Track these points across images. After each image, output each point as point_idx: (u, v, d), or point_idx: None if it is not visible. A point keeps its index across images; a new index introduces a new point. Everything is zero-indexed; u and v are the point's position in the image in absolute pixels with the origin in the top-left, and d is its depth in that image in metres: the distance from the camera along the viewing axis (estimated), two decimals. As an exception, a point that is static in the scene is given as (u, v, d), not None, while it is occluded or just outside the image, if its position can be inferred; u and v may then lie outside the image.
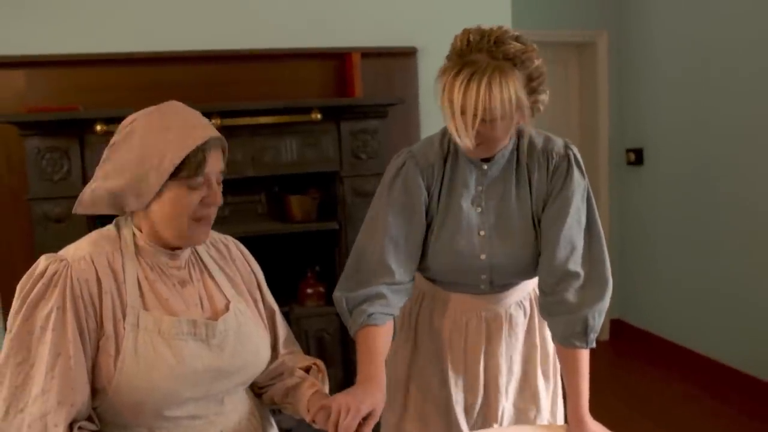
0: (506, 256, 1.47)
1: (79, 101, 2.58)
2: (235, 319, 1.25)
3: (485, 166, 1.47)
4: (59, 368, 1.08)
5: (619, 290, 4.47)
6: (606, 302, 1.45)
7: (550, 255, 1.44)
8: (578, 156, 1.49)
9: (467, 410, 1.59)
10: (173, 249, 1.23)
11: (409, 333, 1.62)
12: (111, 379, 1.11)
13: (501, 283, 1.53)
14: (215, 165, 1.18)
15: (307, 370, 1.39)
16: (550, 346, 1.62)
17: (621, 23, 4.28)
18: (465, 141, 1.33)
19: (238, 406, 1.28)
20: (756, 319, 3.43)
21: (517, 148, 1.49)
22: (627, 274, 4.45)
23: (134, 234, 1.21)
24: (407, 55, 2.94)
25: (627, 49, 4.27)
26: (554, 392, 1.66)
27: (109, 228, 1.23)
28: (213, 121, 2.49)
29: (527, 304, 1.60)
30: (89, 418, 1.12)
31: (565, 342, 1.43)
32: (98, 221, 2.61)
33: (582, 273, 1.44)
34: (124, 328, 1.13)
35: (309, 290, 2.83)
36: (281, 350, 1.40)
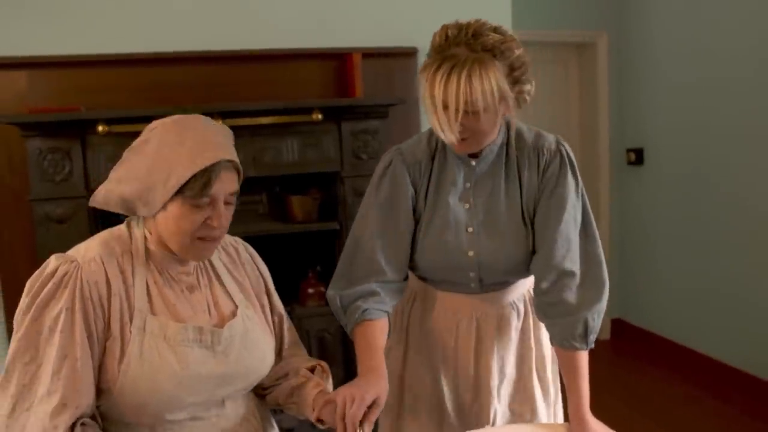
0: (494, 253, 1.46)
1: (81, 102, 2.58)
2: (242, 325, 1.25)
3: (473, 162, 1.46)
4: (66, 370, 1.08)
5: (620, 290, 4.48)
6: (604, 303, 1.44)
7: (546, 254, 1.42)
8: (570, 153, 1.48)
9: (459, 410, 1.58)
10: None
11: (401, 333, 1.62)
12: (115, 380, 1.12)
13: (491, 281, 1.51)
14: (224, 187, 1.16)
15: (312, 370, 1.39)
16: (546, 348, 1.60)
17: (621, 24, 4.29)
18: (448, 136, 1.33)
19: (239, 407, 1.29)
20: (757, 319, 3.43)
21: (507, 143, 1.47)
22: (627, 273, 4.45)
23: (145, 237, 1.21)
24: (408, 55, 2.95)
25: (627, 49, 4.27)
26: (550, 395, 1.63)
27: (121, 228, 1.23)
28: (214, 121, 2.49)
29: (521, 306, 1.57)
30: (92, 418, 1.13)
31: (565, 344, 1.42)
32: (100, 222, 2.62)
33: (578, 272, 1.42)
34: (131, 332, 1.14)
35: (310, 290, 2.84)
36: (286, 354, 1.41)
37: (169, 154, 1.12)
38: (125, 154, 1.19)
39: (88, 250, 1.16)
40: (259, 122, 2.61)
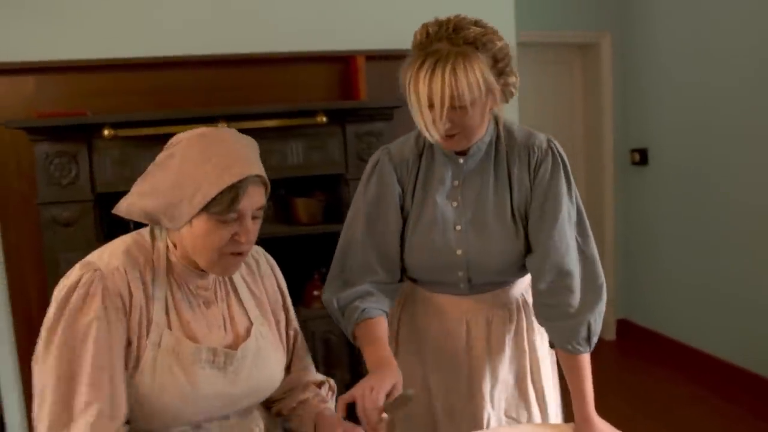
0: (483, 251, 1.44)
1: (87, 106, 2.60)
2: (255, 344, 1.24)
3: (461, 160, 1.44)
4: (103, 381, 1.07)
5: (625, 290, 4.48)
6: (604, 303, 1.43)
7: (543, 253, 1.40)
8: (562, 152, 1.46)
9: (451, 414, 1.54)
10: (203, 270, 1.21)
11: (392, 335, 1.60)
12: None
13: (480, 281, 1.48)
14: (252, 202, 1.14)
15: (319, 385, 1.38)
16: (541, 352, 1.58)
17: (624, 24, 4.29)
18: (433, 134, 1.32)
19: (243, 419, 1.29)
20: (762, 318, 3.42)
21: (496, 141, 1.46)
22: (632, 273, 4.45)
23: (168, 248, 1.19)
24: (411, 57, 2.95)
25: (630, 49, 4.27)
26: (546, 402, 1.59)
27: (144, 236, 1.21)
28: (219, 124, 2.51)
29: (513, 309, 1.54)
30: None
31: (569, 348, 1.41)
32: (106, 225, 2.64)
33: (576, 272, 1.41)
34: (146, 345, 1.13)
35: (315, 292, 2.84)
36: (295, 368, 1.39)
37: (195, 170, 1.10)
38: (149, 168, 1.16)
39: (112, 257, 1.14)
40: (264, 125, 2.62)
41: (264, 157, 1.14)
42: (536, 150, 1.44)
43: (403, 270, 1.52)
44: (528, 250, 1.45)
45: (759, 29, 3.30)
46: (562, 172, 1.43)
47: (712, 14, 3.60)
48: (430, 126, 1.31)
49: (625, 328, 4.50)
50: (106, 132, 2.42)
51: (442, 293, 1.52)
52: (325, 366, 2.75)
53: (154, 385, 1.12)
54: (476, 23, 1.32)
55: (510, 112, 2.95)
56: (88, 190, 2.49)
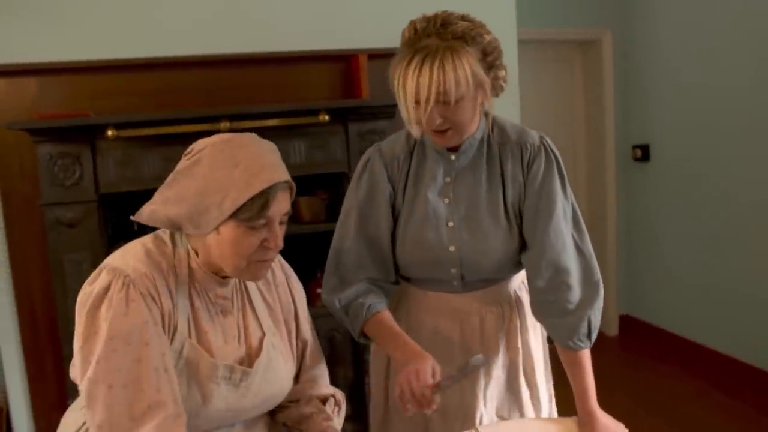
0: (475, 247, 1.43)
1: (90, 107, 2.61)
2: (266, 355, 1.24)
3: (452, 157, 1.44)
4: (164, 383, 1.06)
5: (627, 286, 4.48)
6: (602, 298, 1.43)
7: (539, 250, 1.40)
8: (555, 149, 1.46)
9: (444, 412, 1.52)
10: (224, 277, 1.20)
11: None
12: None
13: (473, 279, 1.48)
14: (280, 207, 1.14)
15: (324, 401, 1.36)
16: (535, 351, 1.58)
17: (625, 21, 4.29)
18: (415, 130, 1.32)
19: (249, 428, 1.29)
20: (764, 313, 3.43)
21: (488, 138, 1.45)
22: (635, 269, 4.45)
23: (189, 254, 1.17)
24: (413, 55, 2.95)
25: (631, 46, 4.28)
26: (540, 400, 1.59)
27: (165, 241, 1.19)
28: (222, 124, 2.52)
29: (506, 307, 1.53)
30: None
31: (570, 345, 1.41)
32: (110, 226, 2.65)
33: (573, 268, 1.41)
34: (170, 352, 1.12)
35: (319, 290, 2.82)
36: (304, 378, 1.38)
37: (223, 175, 1.09)
38: (171, 176, 1.15)
39: (137, 262, 1.12)
40: (266, 125, 2.63)
41: (267, 157, 1.16)
42: (529, 147, 1.44)
43: (397, 269, 1.52)
44: (523, 247, 1.45)
45: (760, 26, 3.31)
46: (555, 169, 1.43)
47: (713, 11, 3.60)
48: (415, 122, 1.31)
49: (627, 323, 4.51)
50: (109, 133, 2.43)
51: (435, 291, 1.52)
52: (330, 364, 2.74)
53: None
54: (463, 18, 1.32)
55: (511, 110, 2.95)
56: (92, 190, 2.50)
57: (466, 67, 1.27)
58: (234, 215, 1.09)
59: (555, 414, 1.65)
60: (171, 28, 2.74)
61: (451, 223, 1.44)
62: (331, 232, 2.85)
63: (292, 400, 1.35)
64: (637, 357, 4.14)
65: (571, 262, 1.41)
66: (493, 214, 1.43)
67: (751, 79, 3.39)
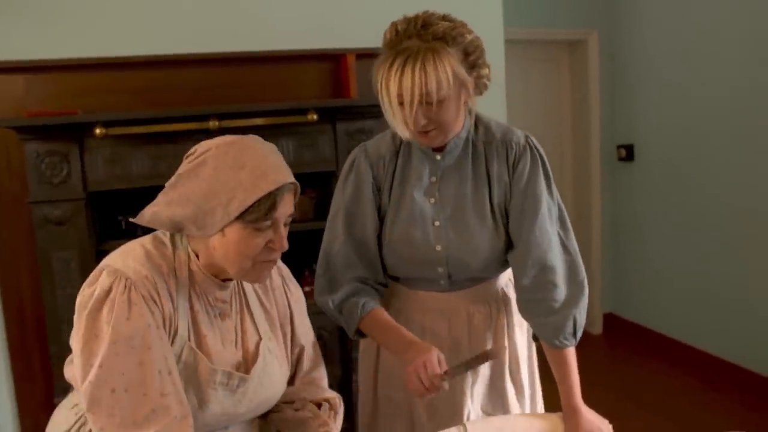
0: (461, 247, 1.44)
1: (78, 105, 2.60)
2: (262, 360, 1.24)
3: (438, 157, 1.45)
4: (169, 385, 1.06)
5: (612, 285, 4.53)
6: (587, 297, 1.45)
7: (524, 248, 1.41)
8: (540, 148, 1.47)
9: (432, 410, 1.53)
10: (224, 280, 1.20)
11: None
12: None
13: (461, 278, 1.49)
14: (285, 209, 1.14)
15: (318, 405, 1.35)
16: (521, 348, 1.58)
17: (611, 22, 4.33)
18: (403, 132, 1.33)
19: (241, 428, 1.30)
20: (746, 312, 3.48)
21: (474, 137, 1.46)
22: (619, 268, 4.50)
23: (189, 257, 1.17)
24: (401, 55, 2.96)
25: (617, 47, 4.32)
26: (524, 396, 1.60)
27: (165, 242, 1.18)
28: (211, 123, 2.52)
29: (493, 304, 1.54)
30: None
31: (556, 343, 1.42)
32: (98, 224, 2.64)
33: (558, 266, 1.42)
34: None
35: (306, 288, 2.82)
36: (299, 381, 1.37)
37: (229, 177, 1.08)
38: (174, 179, 1.14)
39: (137, 264, 1.11)
40: (255, 123, 2.63)
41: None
42: (514, 146, 1.44)
43: (385, 269, 1.53)
44: (509, 246, 1.46)
45: (745, 28, 3.35)
46: (540, 167, 1.44)
47: (698, 12, 3.65)
48: (400, 124, 1.32)
49: (611, 322, 4.56)
50: (97, 131, 2.42)
51: (423, 290, 1.52)
52: (317, 361, 2.77)
53: None
54: (444, 18, 1.33)
55: (498, 109, 2.97)
56: (80, 188, 2.49)
57: (447, 68, 1.28)
58: (240, 217, 1.09)
59: (541, 411, 1.66)
60: (161, 26, 2.74)
61: (437, 223, 1.45)
62: (319, 231, 2.86)
63: (286, 401, 1.35)
64: (621, 355, 4.19)
65: (556, 260, 1.42)
66: (479, 213, 1.44)
67: (736, 80, 3.44)
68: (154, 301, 1.09)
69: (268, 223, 1.12)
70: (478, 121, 1.48)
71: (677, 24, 3.80)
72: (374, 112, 2.78)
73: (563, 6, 4.27)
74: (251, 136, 1.17)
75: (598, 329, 4.52)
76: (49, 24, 2.63)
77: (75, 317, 1.10)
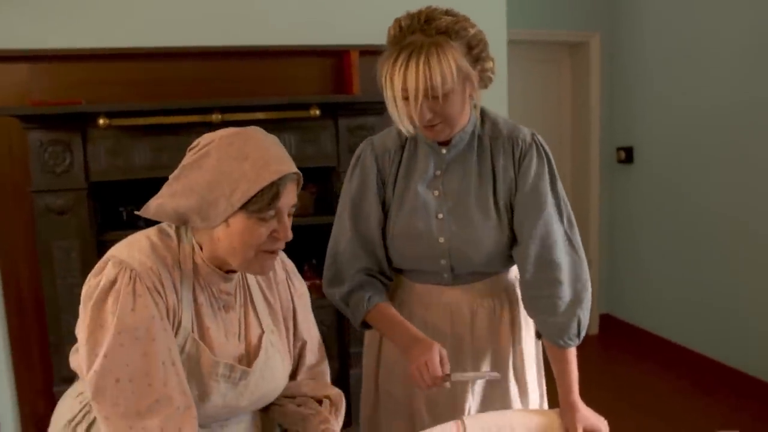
0: (464, 239, 1.44)
1: (82, 95, 2.61)
2: (264, 354, 1.24)
3: (443, 150, 1.45)
4: (171, 376, 1.07)
5: (609, 286, 4.55)
6: (590, 297, 1.46)
7: (528, 245, 1.41)
8: (545, 145, 1.47)
9: (433, 405, 1.53)
10: (228, 272, 1.21)
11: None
12: None
13: (463, 271, 1.48)
14: (288, 199, 1.15)
15: (319, 402, 1.35)
16: (527, 347, 1.58)
17: (613, 24, 4.34)
18: (408, 127, 1.34)
19: (242, 420, 1.30)
20: (740, 315, 3.50)
21: (480, 131, 1.47)
22: (616, 269, 4.52)
23: (193, 249, 1.18)
24: (404, 53, 2.97)
25: (618, 50, 4.33)
26: (529, 398, 1.59)
27: (170, 234, 1.18)
28: (213, 116, 2.53)
29: (498, 303, 1.53)
30: None
31: (560, 343, 1.43)
32: (100, 214, 2.65)
33: (563, 264, 1.42)
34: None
35: (307, 283, 2.87)
36: (302, 376, 1.38)
37: (232, 167, 1.09)
38: (178, 171, 1.15)
39: (143, 255, 1.12)
40: (257, 117, 2.64)
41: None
42: (521, 142, 1.45)
43: (390, 262, 1.53)
44: (514, 242, 1.47)
45: (745, 32, 3.37)
46: (546, 165, 1.45)
47: (699, 17, 3.66)
48: (404, 118, 1.33)
49: (607, 322, 4.58)
50: (100, 121, 2.43)
51: (426, 283, 1.52)
52: (315, 356, 2.78)
53: None
54: (447, 12, 1.33)
55: (498, 109, 2.97)
56: (82, 178, 2.50)
57: (451, 61, 1.28)
58: (244, 207, 1.10)
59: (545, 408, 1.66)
60: (164, 18, 2.74)
61: (440, 215, 1.46)
62: (319, 226, 2.90)
63: (287, 396, 1.35)
64: (616, 355, 4.21)
65: (562, 257, 1.42)
66: (482, 208, 1.44)
67: (736, 84, 3.45)
68: (159, 293, 1.10)
69: (272, 212, 1.13)
70: (484, 117, 1.48)
71: (679, 28, 3.81)
72: (376, 108, 2.80)
73: (566, 8, 4.28)
74: (254, 127, 1.18)
75: (594, 330, 4.54)
76: (54, 14, 2.63)
77: (80, 307, 1.11)
